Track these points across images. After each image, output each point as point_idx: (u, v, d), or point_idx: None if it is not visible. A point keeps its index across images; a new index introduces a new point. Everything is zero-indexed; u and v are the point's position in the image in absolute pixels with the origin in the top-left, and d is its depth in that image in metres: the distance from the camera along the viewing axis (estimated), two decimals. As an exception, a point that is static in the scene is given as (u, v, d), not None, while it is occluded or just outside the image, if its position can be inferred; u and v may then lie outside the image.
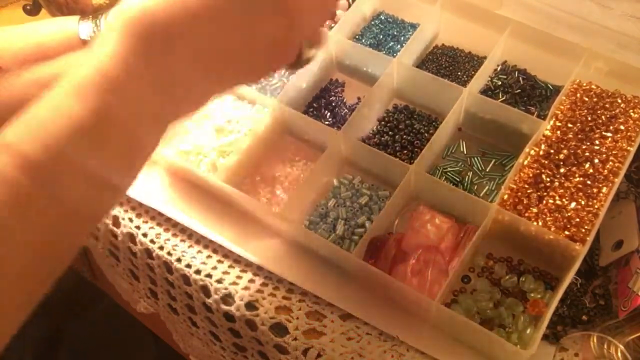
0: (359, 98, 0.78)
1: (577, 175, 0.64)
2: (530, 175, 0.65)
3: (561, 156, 0.65)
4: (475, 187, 0.70)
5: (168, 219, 0.72)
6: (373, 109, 0.75)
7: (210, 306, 0.68)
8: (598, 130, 0.67)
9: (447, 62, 0.78)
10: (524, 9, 0.78)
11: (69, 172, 0.41)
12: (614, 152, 0.65)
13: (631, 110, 0.68)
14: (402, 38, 0.80)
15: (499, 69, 0.75)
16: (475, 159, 0.72)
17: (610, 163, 0.64)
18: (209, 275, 0.67)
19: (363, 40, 0.80)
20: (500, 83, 0.74)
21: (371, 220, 0.67)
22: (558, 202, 0.62)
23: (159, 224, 0.72)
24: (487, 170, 0.71)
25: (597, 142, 0.66)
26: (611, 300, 0.61)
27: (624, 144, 0.65)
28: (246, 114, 0.75)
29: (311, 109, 0.77)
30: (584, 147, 0.66)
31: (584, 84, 0.70)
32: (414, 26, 0.81)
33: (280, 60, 0.49)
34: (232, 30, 0.45)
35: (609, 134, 0.66)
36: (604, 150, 0.65)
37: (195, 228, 0.70)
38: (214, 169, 0.71)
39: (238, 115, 0.75)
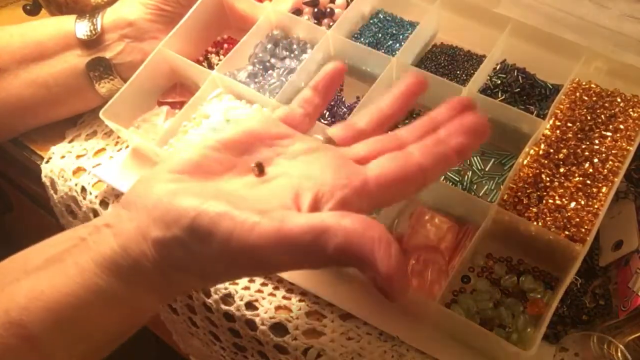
0: (358, 97, 0.77)
1: (576, 174, 0.64)
2: (530, 174, 0.65)
3: (561, 156, 0.65)
4: (475, 186, 0.70)
5: (167, 219, 0.71)
6: (372, 108, 0.75)
7: (210, 306, 0.68)
8: (597, 130, 0.67)
9: (446, 61, 0.78)
10: (521, 8, 0.78)
11: (70, 342, 0.47)
12: (613, 151, 0.65)
13: (630, 110, 0.68)
14: (401, 37, 0.79)
15: (498, 67, 0.75)
16: (475, 158, 0.72)
17: (610, 162, 0.64)
18: (208, 276, 0.67)
19: (362, 39, 0.80)
20: (499, 82, 0.73)
21: (371, 220, 0.67)
22: (558, 202, 0.62)
23: (158, 225, 0.72)
24: (487, 169, 0.71)
25: (596, 141, 0.66)
26: (611, 300, 0.61)
27: (623, 144, 0.65)
28: (245, 113, 0.75)
29: (310, 109, 0.77)
30: (583, 146, 0.66)
31: (584, 83, 0.70)
32: (413, 25, 0.80)
33: None
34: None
35: (608, 134, 0.66)
36: (603, 149, 0.65)
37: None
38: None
39: (236, 115, 0.75)
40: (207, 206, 0.45)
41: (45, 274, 0.46)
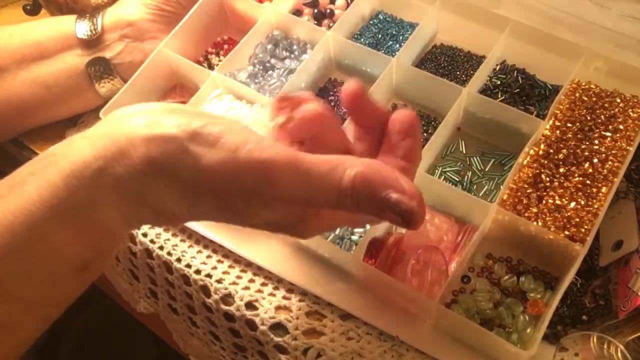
0: (358, 98, 0.77)
1: (576, 175, 0.64)
2: (530, 175, 0.65)
3: (560, 156, 0.65)
4: (475, 186, 0.70)
5: (167, 219, 0.71)
6: (372, 108, 0.75)
7: (210, 306, 0.68)
8: (597, 130, 0.67)
9: (446, 62, 0.78)
10: (522, 9, 0.78)
11: (25, 270, 0.43)
12: (613, 151, 0.65)
13: (630, 110, 0.68)
14: (400, 37, 0.80)
15: (497, 68, 0.75)
16: (475, 158, 0.72)
17: (610, 163, 0.64)
18: (208, 275, 0.67)
19: (362, 40, 0.80)
20: (499, 82, 0.74)
21: (371, 220, 0.67)
22: (558, 202, 0.63)
23: (158, 224, 0.72)
24: (487, 170, 0.71)
25: (596, 141, 0.66)
26: (611, 300, 0.61)
27: (623, 144, 0.65)
28: (244, 113, 0.75)
29: (310, 109, 0.77)
30: (583, 146, 0.66)
31: (583, 84, 0.70)
32: (412, 25, 0.81)
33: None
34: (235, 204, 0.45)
35: (608, 134, 0.66)
36: (603, 149, 0.65)
37: (194, 228, 0.70)
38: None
39: (236, 115, 0.75)
40: (223, 119, 0.43)
41: (5, 200, 0.43)
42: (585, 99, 0.69)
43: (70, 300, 0.47)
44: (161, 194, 0.44)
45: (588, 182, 0.63)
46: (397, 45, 0.79)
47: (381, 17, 0.82)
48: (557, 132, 0.67)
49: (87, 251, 0.45)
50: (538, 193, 0.64)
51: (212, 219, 0.47)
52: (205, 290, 0.67)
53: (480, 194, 0.69)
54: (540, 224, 0.62)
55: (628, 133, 0.66)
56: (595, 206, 0.62)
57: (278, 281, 0.67)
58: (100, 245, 0.45)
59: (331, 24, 0.79)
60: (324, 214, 0.49)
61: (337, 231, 0.67)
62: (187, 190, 0.43)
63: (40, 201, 0.42)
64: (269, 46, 0.79)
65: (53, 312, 0.47)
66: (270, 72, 0.78)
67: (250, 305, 0.65)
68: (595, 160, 0.65)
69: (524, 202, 0.63)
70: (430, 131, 0.73)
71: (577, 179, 0.64)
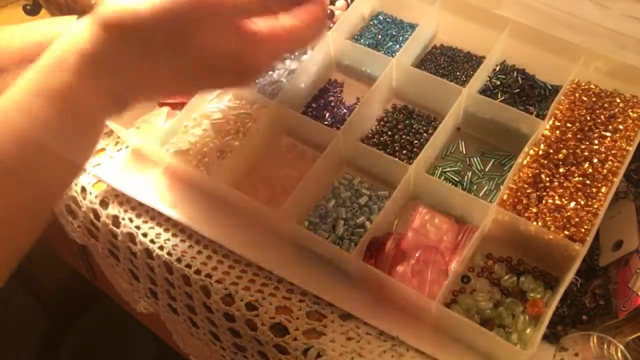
0: (357, 98, 0.78)
1: (576, 175, 0.64)
2: (530, 175, 0.65)
3: (560, 156, 0.65)
4: (475, 187, 0.70)
5: (168, 219, 0.72)
6: (372, 109, 0.75)
7: (210, 306, 0.68)
8: (597, 130, 0.67)
9: (446, 62, 0.78)
10: (522, 9, 0.78)
11: (33, 159, 0.49)
12: (613, 151, 0.65)
13: (630, 110, 0.68)
14: (400, 38, 0.80)
15: (497, 68, 0.75)
16: (475, 158, 0.72)
17: (610, 163, 0.64)
18: (209, 275, 0.67)
19: (362, 40, 0.80)
20: (499, 83, 0.74)
21: (371, 221, 0.67)
22: (557, 202, 0.63)
23: (159, 224, 0.72)
24: (487, 170, 0.71)
25: (596, 141, 0.66)
26: (611, 300, 0.62)
27: (622, 144, 0.65)
28: (245, 114, 0.75)
29: (310, 110, 0.77)
30: (583, 146, 0.66)
31: (583, 84, 0.70)
32: (412, 26, 0.81)
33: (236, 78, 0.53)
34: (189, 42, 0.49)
35: (607, 134, 0.66)
36: (603, 149, 0.65)
37: (195, 228, 0.70)
38: (213, 169, 0.71)
39: (237, 115, 0.75)
40: None
41: None
42: (585, 99, 0.69)
43: (54, 195, 0.54)
44: (128, 59, 0.49)
45: (588, 182, 0.63)
46: (397, 46, 0.79)
47: (381, 18, 0.82)
48: (557, 132, 0.67)
49: (67, 132, 0.50)
50: (538, 193, 0.64)
51: (177, 80, 0.52)
52: (205, 290, 0.67)
53: (480, 194, 0.69)
54: (540, 224, 0.62)
55: (628, 133, 0.66)
56: (595, 206, 0.62)
57: (278, 281, 0.67)
58: (78, 126, 0.50)
59: (331, 25, 0.79)
60: (261, 37, 0.51)
61: (337, 231, 0.67)
62: (143, 47, 0.49)
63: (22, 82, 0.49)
64: (269, 46, 0.79)
65: (40, 211, 0.52)
66: (270, 72, 0.78)
67: (250, 306, 0.65)
68: (595, 160, 0.65)
69: (524, 202, 0.63)
70: (430, 131, 0.73)
71: (577, 179, 0.64)
